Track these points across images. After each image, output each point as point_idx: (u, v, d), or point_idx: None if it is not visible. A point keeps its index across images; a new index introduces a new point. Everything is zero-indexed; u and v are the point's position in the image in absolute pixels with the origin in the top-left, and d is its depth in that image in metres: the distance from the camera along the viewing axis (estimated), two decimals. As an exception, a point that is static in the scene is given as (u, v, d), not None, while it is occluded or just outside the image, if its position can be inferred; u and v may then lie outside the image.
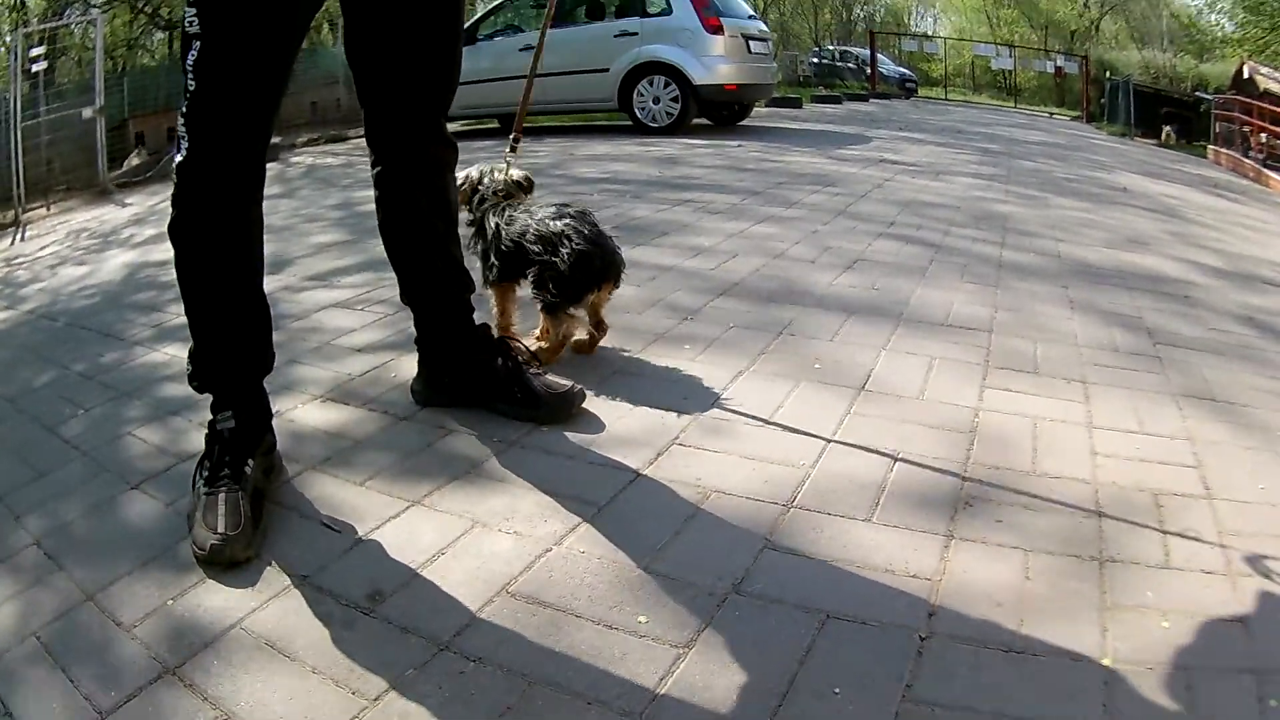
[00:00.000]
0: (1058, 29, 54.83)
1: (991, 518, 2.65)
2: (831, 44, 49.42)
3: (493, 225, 3.85)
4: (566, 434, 3.22)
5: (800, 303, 4.62)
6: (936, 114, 24.55)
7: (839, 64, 41.55)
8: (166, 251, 7.27)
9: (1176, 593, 2.31)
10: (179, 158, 2.77)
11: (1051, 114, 33.05)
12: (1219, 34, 40.99)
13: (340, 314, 4.88)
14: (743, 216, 6.91)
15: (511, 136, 4.04)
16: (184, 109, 2.71)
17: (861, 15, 61.12)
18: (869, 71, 35.83)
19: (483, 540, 2.59)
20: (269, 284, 5.54)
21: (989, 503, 2.73)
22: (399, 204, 3.26)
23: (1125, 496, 2.77)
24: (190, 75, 2.65)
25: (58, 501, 3.01)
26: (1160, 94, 30.23)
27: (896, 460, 2.98)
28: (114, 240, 8.67)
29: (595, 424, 3.29)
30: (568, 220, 3.67)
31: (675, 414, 3.33)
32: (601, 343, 3.95)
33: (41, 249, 9.26)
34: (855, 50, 43.52)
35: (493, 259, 3.85)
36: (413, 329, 3.57)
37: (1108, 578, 2.37)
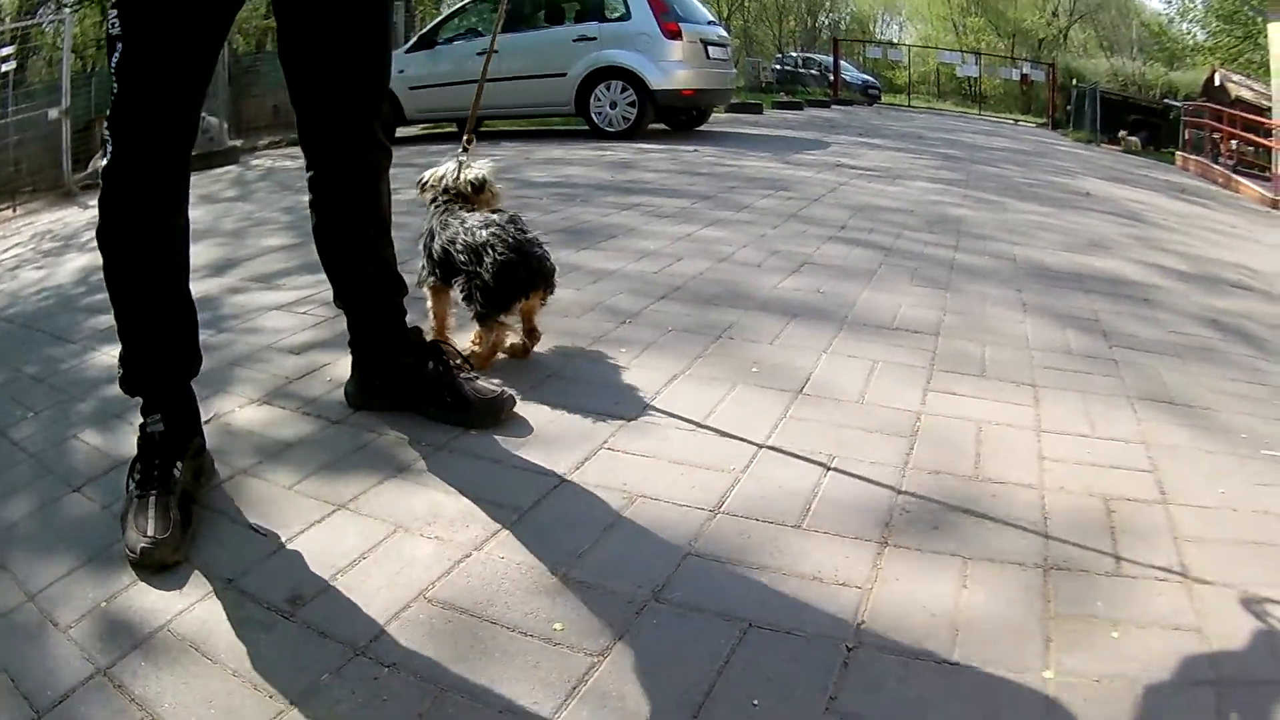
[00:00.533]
0: (1025, 37, 55.21)
1: (929, 524, 2.58)
2: (795, 51, 49.61)
3: (427, 228, 3.84)
4: (495, 438, 3.17)
5: (742, 306, 4.55)
6: (899, 120, 24.63)
7: (801, 70, 41.57)
8: None
9: (1128, 602, 2.23)
10: (103, 163, 2.76)
11: (1016, 121, 33.33)
12: (1190, 42, 41.28)
13: (280, 316, 4.83)
14: (691, 220, 6.85)
15: (464, 137, 4.01)
16: (109, 113, 2.69)
17: (826, 22, 61.55)
18: (831, 78, 35.95)
19: (404, 544, 2.55)
20: (213, 285, 5.77)
21: (927, 508, 2.66)
22: (332, 208, 3.23)
23: (1074, 503, 2.70)
24: (114, 78, 2.63)
25: (5, 503, 3.01)
26: (1128, 101, 30.50)
27: (830, 466, 2.90)
28: (73, 243, 8.54)
29: (524, 428, 3.24)
30: (493, 229, 3.62)
31: (605, 418, 3.27)
32: (538, 347, 3.91)
33: (4, 251, 9.13)
34: (818, 57, 43.73)
35: (423, 262, 3.84)
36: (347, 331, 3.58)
37: (1053, 587, 2.29)
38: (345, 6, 2.91)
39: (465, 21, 16.50)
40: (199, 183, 12.01)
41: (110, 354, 4.35)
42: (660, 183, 8.97)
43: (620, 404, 3.40)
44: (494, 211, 3.79)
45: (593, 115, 14.19)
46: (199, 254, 6.73)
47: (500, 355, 3.85)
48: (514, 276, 3.59)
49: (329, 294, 4.98)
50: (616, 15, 14.23)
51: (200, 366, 3.06)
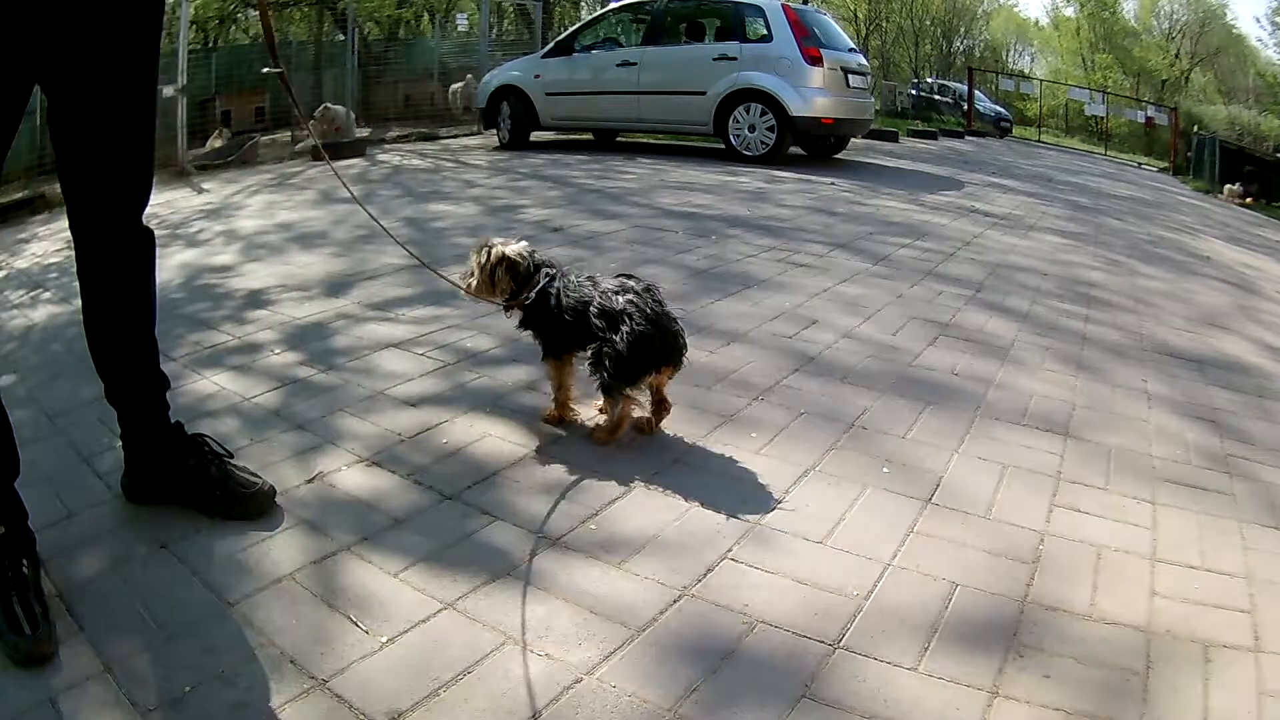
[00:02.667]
0: (1149, 78, 53.82)
1: (1040, 672, 2.40)
2: (930, 76, 48.93)
3: (554, 294, 3.67)
4: (609, 534, 3.05)
5: (877, 388, 4.32)
6: (1028, 157, 23.85)
7: (937, 97, 41.06)
8: (229, 254, 7.43)
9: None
10: None
11: (1140, 164, 32.27)
12: (1306, 96, 40.15)
13: (397, 357, 4.67)
14: (828, 272, 6.57)
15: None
16: None
17: (961, 48, 60.51)
18: (965, 108, 35.31)
19: (512, 661, 2.42)
20: (328, 309, 5.65)
21: (1040, 652, 2.48)
22: (102, 298, 3.09)
23: (1177, 649, 2.53)
24: None
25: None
26: (1243, 151, 29.56)
27: (953, 596, 2.71)
28: (180, 234, 8.53)
29: (649, 521, 3.10)
30: (630, 297, 3.48)
31: (730, 518, 3.10)
32: (665, 423, 3.75)
33: None
34: (953, 84, 43.08)
35: (552, 329, 3.69)
36: (472, 384, 3.62)
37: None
38: (110, 90, 2.78)
39: (604, 29, 16.39)
40: (318, 177, 12.08)
41: (209, 379, 4.40)
42: (796, 221, 8.67)
43: (747, 504, 3.20)
44: (626, 277, 3.64)
45: (731, 137, 13.79)
46: (315, 265, 6.67)
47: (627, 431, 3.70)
48: (648, 349, 3.44)
49: (449, 335, 4.98)
50: (758, 36, 13.80)
51: (19, 467, 2.88)
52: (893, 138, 22.16)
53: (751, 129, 13.61)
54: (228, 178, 13.03)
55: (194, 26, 23.43)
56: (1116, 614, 2.67)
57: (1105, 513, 3.30)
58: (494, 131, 16.68)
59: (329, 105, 15.87)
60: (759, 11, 13.82)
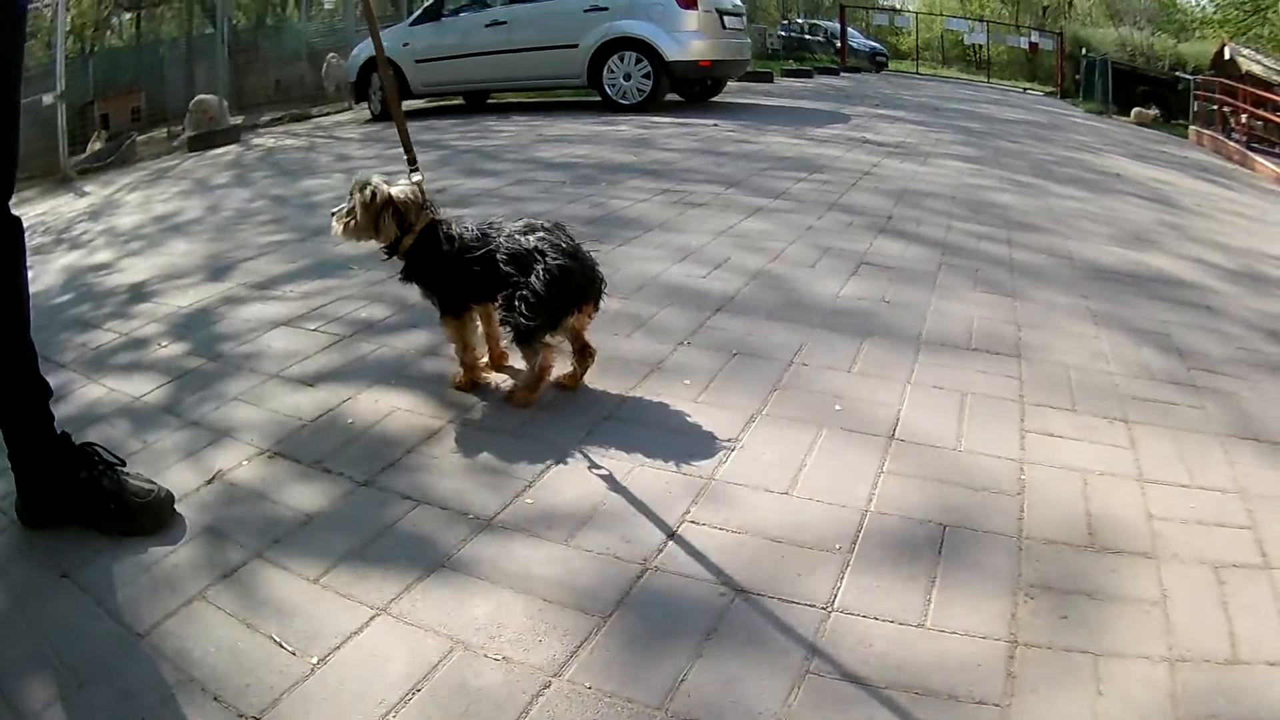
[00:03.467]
0: (1029, 4, 54.51)
1: (1056, 614, 2.26)
2: (799, 17, 49.03)
3: (448, 238, 3.38)
4: (555, 512, 2.76)
5: (807, 321, 4.12)
6: (909, 89, 24.09)
7: (808, 37, 40.98)
8: (109, 251, 7.11)
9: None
10: None
11: (1025, 89, 32.73)
12: (1199, 14, 40.71)
13: (287, 335, 4.39)
14: (728, 209, 6.39)
15: (406, 159, 3.69)
16: None
17: (829, -11, 60.74)
18: (839, 45, 35.43)
19: (465, 670, 2.15)
20: (208, 294, 5.37)
21: (1050, 592, 2.34)
22: None
23: (1187, 573, 2.44)
24: None
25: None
26: (1136, 72, 29.97)
27: (943, 539, 2.52)
28: (65, 238, 8.11)
29: (589, 488, 2.85)
30: (541, 235, 3.24)
31: (680, 474, 2.86)
32: (587, 377, 3.49)
33: None
34: (824, 24, 43.15)
35: (447, 280, 3.41)
36: (371, 356, 3.37)
37: (1181, 684, 2.04)
38: None
39: (472, -8, 15.97)
40: (194, 168, 11.78)
41: (100, 383, 4.09)
42: (684, 164, 8.47)
43: (695, 457, 2.96)
44: (530, 219, 3.38)
45: (606, 88, 13.65)
46: (194, 251, 6.42)
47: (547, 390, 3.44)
48: (567, 285, 3.18)
49: (342, 306, 4.70)
50: (630, -16, 13.71)
51: None
52: (767, 78, 22.06)
53: (627, 77, 13.46)
54: (108, 179, 12.49)
55: (71, 35, 23.41)
56: (1118, 543, 2.55)
57: (1079, 435, 3.21)
58: (365, 105, 16.54)
59: (201, 97, 15.60)
60: None
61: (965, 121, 14.48)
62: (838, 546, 2.46)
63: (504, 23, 14.25)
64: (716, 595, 2.30)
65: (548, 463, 3.01)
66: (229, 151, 13.24)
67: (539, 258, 3.16)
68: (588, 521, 2.66)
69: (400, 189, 3.38)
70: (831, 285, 4.66)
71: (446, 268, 3.36)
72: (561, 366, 3.46)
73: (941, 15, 47.64)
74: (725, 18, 14.01)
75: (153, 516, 2.92)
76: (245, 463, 3.20)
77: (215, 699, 2.12)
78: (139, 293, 5.51)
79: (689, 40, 13.20)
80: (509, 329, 3.27)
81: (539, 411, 3.35)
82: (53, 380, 3.89)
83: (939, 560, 2.43)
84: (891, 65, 39.35)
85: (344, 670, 2.17)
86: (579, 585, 2.38)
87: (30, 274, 6.51)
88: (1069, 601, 2.29)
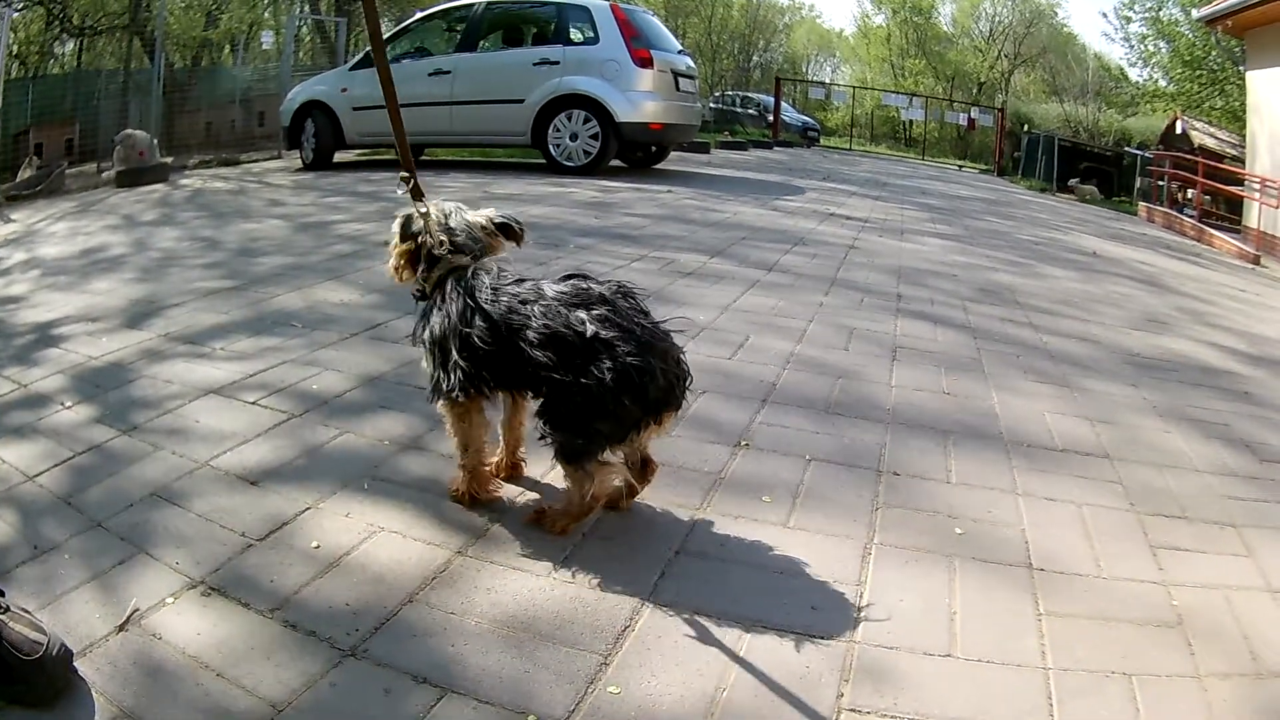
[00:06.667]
0: (964, 80, 55.12)
1: None
2: (729, 90, 49.23)
3: (459, 303, 2.61)
4: (639, 705, 1.99)
5: (875, 418, 3.60)
6: (847, 164, 24.02)
7: (739, 109, 41.12)
8: (24, 283, 6.34)
9: None
10: None
11: (960, 167, 32.99)
12: (1151, 88, 40.99)
13: (220, 408, 3.67)
14: (725, 281, 5.89)
15: (401, 175, 2.90)
16: None
17: (759, 62, 61.16)
18: (770, 118, 35.40)
19: None
20: (127, 344, 4.70)
21: None
22: None
23: None
24: None
25: None
26: (1078, 148, 30.23)
27: (1137, 695, 2.03)
28: None
29: (696, 673, 2.09)
30: (601, 312, 2.45)
31: (815, 644, 2.18)
32: (642, 492, 2.80)
33: None
34: (756, 96, 43.32)
35: (455, 357, 2.61)
36: (331, 445, 2.73)
37: None
38: None
39: (412, 40, 15.41)
40: (122, 203, 11.34)
41: None
42: (655, 230, 7.97)
43: (820, 612, 2.31)
44: (573, 277, 2.59)
45: (550, 147, 12.94)
46: (110, 292, 5.74)
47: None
48: (647, 391, 2.44)
49: (285, 372, 3.97)
50: (582, 39, 13.10)
51: None
52: (704, 149, 21.80)
53: (573, 137, 12.77)
54: (35, 207, 12.33)
55: (15, 59, 23.30)
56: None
57: (1202, 546, 2.90)
58: (297, 153, 15.66)
59: (130, 131, 15.24)
60: (584, 13, 13.10)
61: (920, 198, 14.27)
62: None
63: (448, 72, 13.62)
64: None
65: (619, 626, 2.26)
66: (157, 190, 12.75)
67: (603, 350, 2.42)
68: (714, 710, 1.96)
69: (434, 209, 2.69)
70: (878, 373, 4.19)
71: (460, 332, 2.57)
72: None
73: (877, 90, 47.91)
74: (680, 80, 13.51)
75: (45, 681, 2.13)
76: (171, 600, 2.39)
77: None
78: (48, 334, 4.88)
79: (642, 101, 12.63)
80: (552, 442, 2.53)
81: (582, 538, 2.64)
82: None
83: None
84: (822, 141, 39.48)
85: None
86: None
87: None
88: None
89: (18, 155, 16.76)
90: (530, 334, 2.44)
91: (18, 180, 15.30)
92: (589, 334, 2.40)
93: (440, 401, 2.68)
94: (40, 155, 17.29)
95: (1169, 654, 2.23)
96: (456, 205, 2.77)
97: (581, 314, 2.43)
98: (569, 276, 2.57)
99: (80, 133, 19.42)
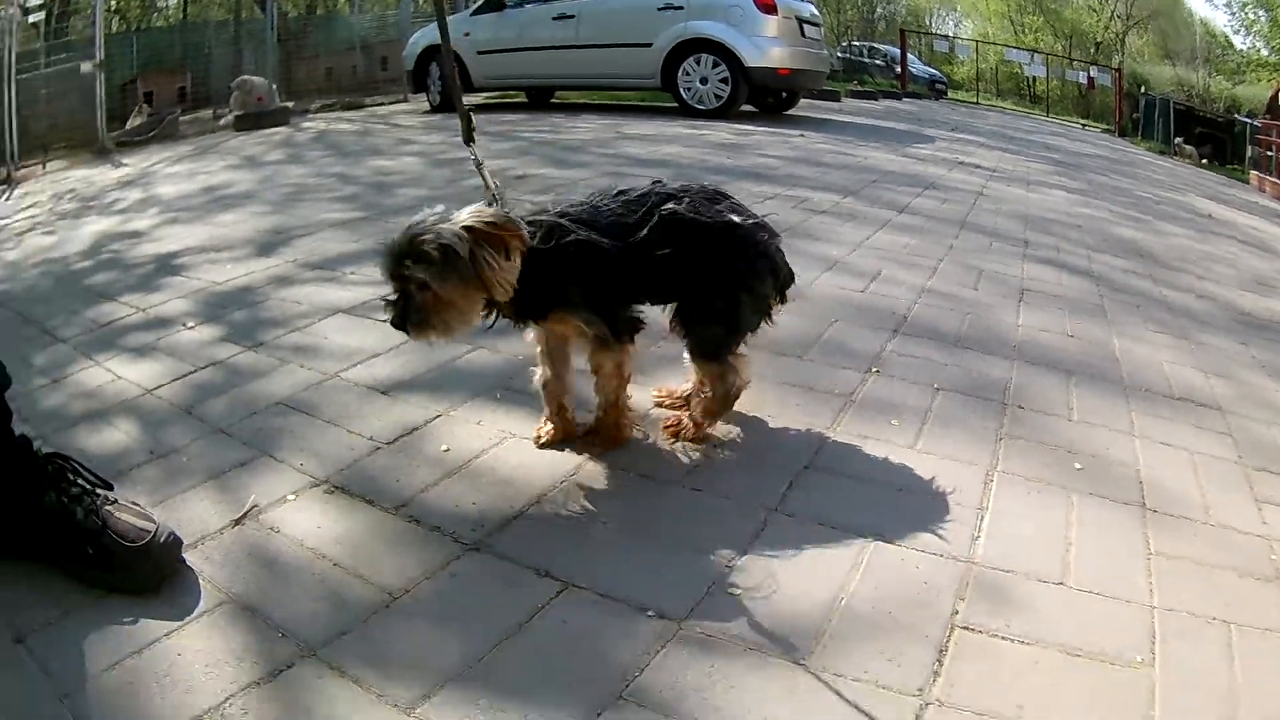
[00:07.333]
0: (1082, 39, 53.68)
1: None
2: (855, 40, 48.45)
3: (591, 247, 2.34)
4: (766, 606, 1.98)
5: (1001, 354, 3.54)
6: (974, 117, 23.29)
7: (866, 60, 40.39)
8: (144, 220, 6.26)
9: None
10: None
11: (1083, 126, 32.09)
12: (1254, 57, 39.71)
13: (350, 326, 3.67)
14: (859, 221, 5.77)
15: (462, 136, 2.84)
16: None
17: (883, 14, 60.07)
18: (899, 70, 34.66)
19: None
20: (256, 270, 4.66)
21: None
22: None
23: None
24: None
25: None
26: (1193, 112, 29.43)
27: (1232, 644, 1.95)
28: (94, 205, 7.55)
29: (818, 580, 2.09)
30: (728, 204, 2.46)
31: (934, 558, 2.17)
32: (767, 410, 2.82)
33: (21, 212, 8.03)
34: (883, 47, 42.52)
35: (613, 300, 2.44)
36: (463, 360, 2.69)
37: None
38: None
39: (537, -16, 15.16)
40: (242, 145, 11.18)
41: (102, 364, 3.41)
42: (787, 170, 7.81)
43: (941, 530, 2.29)
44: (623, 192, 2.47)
45: (681, 90, 12.67)
46: (236, 224, 5.75)
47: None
48: (780, 271, 2.52)
49: None
50: (704, -17, 12.79)
51: None
52: (834, 97, 21.37)
53: (704, 81, 12.49)
54: (148, 153, 11.71)
55: (116, 14, 23.47)
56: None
57: None
58: (423, 96, 15.44)
59: (246, 77, 14.92)
60: None
61: (1045, 152, 13.77)
62: (1139, 659, 1.86)
63: (571, 17, 13.41)
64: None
65: (746, 533, 2.24)
66: (279, 132, 12.52)
67: (745, 237, 2.43)
68: (826, 629, 1.92)
69: (473, 212, 2.24)
70: (1006, 312, 4.10)
71: (602, 272, 2.36)
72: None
73: (1002, 45, 46.86)
74: (805, 26, 13.12)
75: (150, 569, 2.10)
76: (292, 497, 2.42)
77: None
78: (170, 264, 4.84)
79: (768, 46, 12.24)
80: (696, 340, 2.51)
81: (711, 453, 2.62)
82: (45, 359, 3.16)
83: (1234, 672, 1.87)
84: (949, 94, 38.72)
85: None
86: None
87: (55, 239, 5.95)
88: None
89: (126, 104, 16.46)
90: (664, 238, 2.37)
91: (128, 127, 14.93)
92: (732, 223, 2.41)
93: (615, 344, 2.46)
94: (150, 103, 16.91)
95: (1267, 608, 2.13)
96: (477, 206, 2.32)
97: (719, 206, 2.44)
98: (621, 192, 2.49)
99: (192, 81, 18.92)
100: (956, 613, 1.98)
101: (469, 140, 2.78)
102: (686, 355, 2.59)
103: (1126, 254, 5.97)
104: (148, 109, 16.43)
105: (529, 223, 2.29)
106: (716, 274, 2.43)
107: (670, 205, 2.39)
